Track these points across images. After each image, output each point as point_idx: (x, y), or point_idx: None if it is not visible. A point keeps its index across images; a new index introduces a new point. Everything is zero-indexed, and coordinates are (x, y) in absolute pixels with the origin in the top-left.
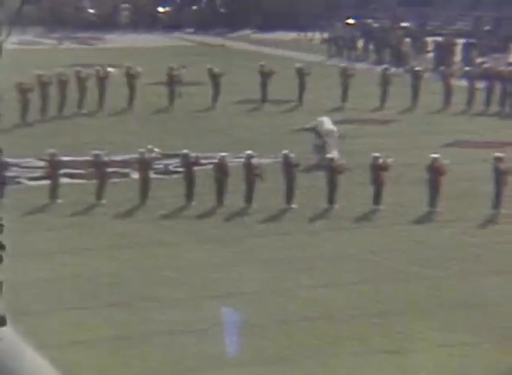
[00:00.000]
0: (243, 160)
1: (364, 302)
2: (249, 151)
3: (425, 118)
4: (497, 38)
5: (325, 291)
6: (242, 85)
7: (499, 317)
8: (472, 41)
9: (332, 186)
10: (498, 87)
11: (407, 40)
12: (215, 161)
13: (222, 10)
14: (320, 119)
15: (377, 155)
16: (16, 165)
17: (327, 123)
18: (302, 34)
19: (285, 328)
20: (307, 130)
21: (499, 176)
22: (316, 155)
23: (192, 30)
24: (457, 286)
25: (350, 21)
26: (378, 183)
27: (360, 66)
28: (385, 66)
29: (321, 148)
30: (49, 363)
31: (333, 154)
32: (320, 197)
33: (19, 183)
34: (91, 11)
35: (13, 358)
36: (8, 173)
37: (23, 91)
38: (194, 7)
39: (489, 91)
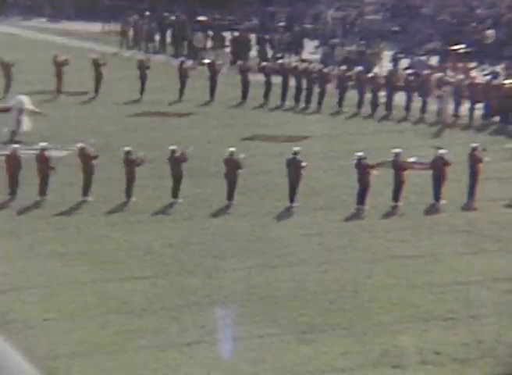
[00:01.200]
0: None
1: (162, 296)
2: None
3: (224, 111)
4: (291, 34)
5: (120, 285)
6: None
7: (293, 308)
8: (266, 36)
9: (129, 179)
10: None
11: (200, 33)
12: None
13: None
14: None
15: (174, 147)
16: None
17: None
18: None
19: (80, 322)
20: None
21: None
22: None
23: None
24: (253, 278)
25: (147, 13)
26: (176, 176)
27: (158, 58)
28: (181, 58)
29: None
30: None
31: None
32: (118, 189)
33: None
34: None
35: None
36: None
37: None
38: None
39: (285, 86)
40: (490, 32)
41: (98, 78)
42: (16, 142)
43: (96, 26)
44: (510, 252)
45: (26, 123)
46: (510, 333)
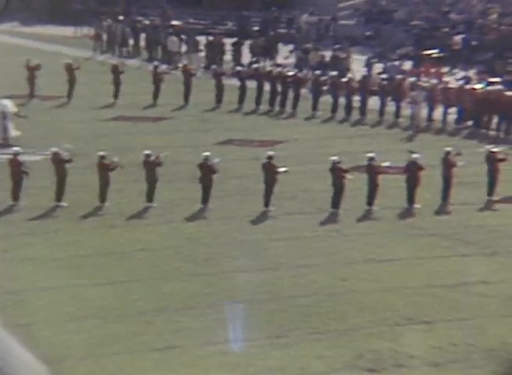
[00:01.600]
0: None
1: (136, 300)
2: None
3: (198, 116)
4: (266, 39)
5: (95, 290)
6: None
7: (268, 312)
8: (240, 40)
9: (103, 183)
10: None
11: (174, 38)
12: None
13: None
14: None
15: (148, 152)
16: None
17: (9, 106)
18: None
19: (56, 328)
20: None
21: (268, 175)
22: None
23: None
24: (228, 283)
25: (121, 17)
26: (151, 181)
27: (131, 62)
28: (156, 63)
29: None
30: (36, 358)
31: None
32: (92, 194)
33: None
34: None
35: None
36: None
37: None
38: None
39: (259, 91)
40: (458, 38)
41: (72, 82)
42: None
43: (69, 30)
44: (484, 256)
45: (13, 128)
46: (484, 337)
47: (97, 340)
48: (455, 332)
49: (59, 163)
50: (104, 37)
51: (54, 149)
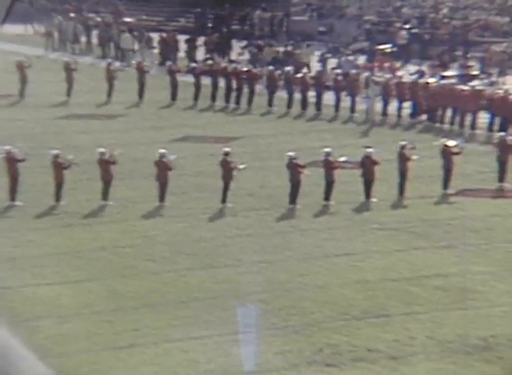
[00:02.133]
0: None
1: (94, 300)
2: None
3: (153, 113)
4: (219, 35)
5: (51, 289)
6: None
7: (226, 309)
8: (194, 37)
9: (58, 182)
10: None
11: (127, 35)
12: None
13: None
14: None
15: (103, 150)
16: None
17: None
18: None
19: (12, 328)
20: None
21: (225, 171)
22: None
23: None
24: (186, 280)
25: (71, 15)
26: (106, 179)
27: (84, 59)
28: (109, 60)
29: None
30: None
31: None
32: (46, 193)
33: None
34: None
35: (5, 357)
36: None
37: None
38: None
39: (214, 87)
40: (404, 32)
41: (23, 81)
42: None
43: (19, 28)
44: (440, 249)
45: None
46: (441, 330)
47: (55, 339)
48: (413, 325)
49: (12, 162)
50: (56, 34)
51: (6, 148)
